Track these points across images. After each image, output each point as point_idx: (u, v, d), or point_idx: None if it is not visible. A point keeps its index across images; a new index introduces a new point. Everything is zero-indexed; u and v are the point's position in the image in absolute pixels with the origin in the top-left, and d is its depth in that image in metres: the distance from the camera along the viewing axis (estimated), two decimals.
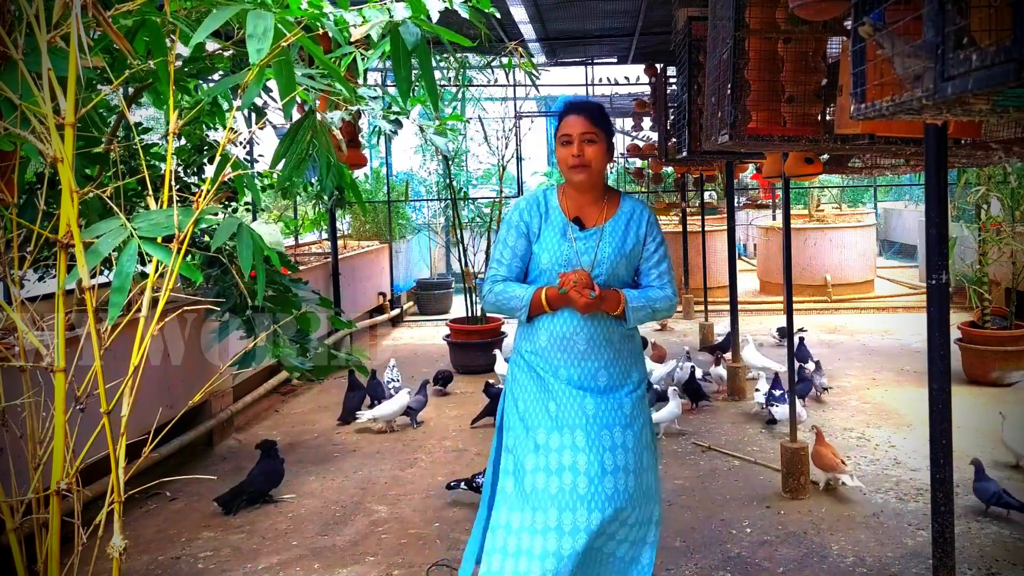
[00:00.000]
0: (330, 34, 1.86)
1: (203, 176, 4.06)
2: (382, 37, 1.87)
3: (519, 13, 7.08)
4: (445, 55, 6.05)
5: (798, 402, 4.27)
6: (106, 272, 2.94)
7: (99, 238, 1.40)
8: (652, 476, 2.40)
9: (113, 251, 1.41)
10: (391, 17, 1.83)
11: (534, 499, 2.27)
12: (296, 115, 2.27)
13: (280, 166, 2.14)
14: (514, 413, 2.41)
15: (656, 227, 2.47)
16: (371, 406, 5.26)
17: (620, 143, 13.78)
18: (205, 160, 4.11)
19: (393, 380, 5.68)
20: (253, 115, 2.85)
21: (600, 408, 2.32)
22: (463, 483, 3.80)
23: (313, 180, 6.12)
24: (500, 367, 5.86)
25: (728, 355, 5.87)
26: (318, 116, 2.11)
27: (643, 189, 12.29)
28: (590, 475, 2.25)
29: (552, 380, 2.36)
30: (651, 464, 2.41)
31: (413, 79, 2.03)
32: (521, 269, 2.45)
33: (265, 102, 2.87)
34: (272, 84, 2.05)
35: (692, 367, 5.44)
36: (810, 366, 5.56)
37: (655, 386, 5.21)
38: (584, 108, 2.40)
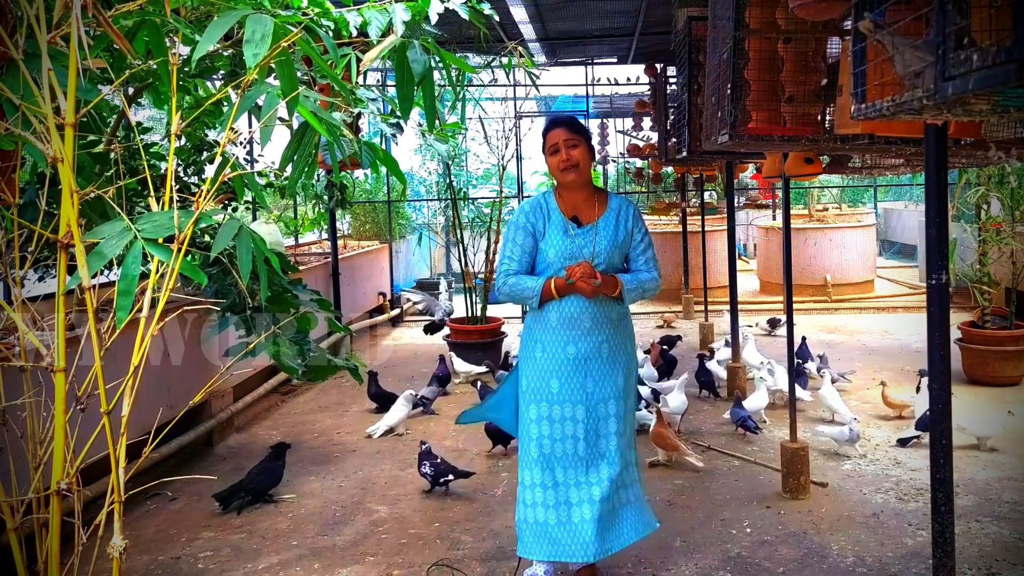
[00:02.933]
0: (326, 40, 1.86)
1: (203, 176, 4.06)
2: (382, 37, 1.87)
3: (519, 13, 7.07)
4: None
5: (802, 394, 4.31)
6: (106, 272, 2.94)
7: (102, 240, 1.40)
8: (632, 435, 2.98)
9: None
10: (390, 17, 1.83)
11: (544, 461, 2.83)
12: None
13: (286, 171, 2.14)
14: (524, 386, 2.90)
15: (640, 220, 2.98)
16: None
17: (620, 143, 13.78)
18: (205, 161, 4.11)
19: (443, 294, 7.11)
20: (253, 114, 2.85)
21: (598, 385, 2.85)
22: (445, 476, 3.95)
23: (320, 176, 6.12)
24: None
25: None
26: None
27: (643, 189, 12.26)
28: (588, 440, 2.83)
29: (561, 356, 2.82)
30: (633, 428, 3.00)
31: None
32: (528, 263, 2.91)
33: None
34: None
35: (703, 356, 5.71)
36: (809, 366, 5.57)
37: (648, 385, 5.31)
38: (563, 121, 2.91)
